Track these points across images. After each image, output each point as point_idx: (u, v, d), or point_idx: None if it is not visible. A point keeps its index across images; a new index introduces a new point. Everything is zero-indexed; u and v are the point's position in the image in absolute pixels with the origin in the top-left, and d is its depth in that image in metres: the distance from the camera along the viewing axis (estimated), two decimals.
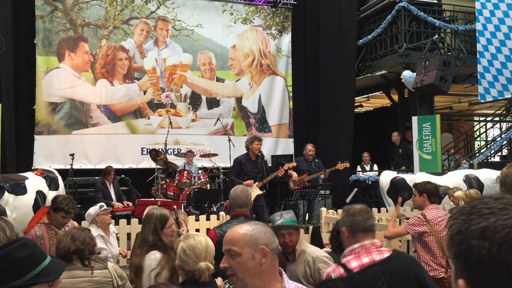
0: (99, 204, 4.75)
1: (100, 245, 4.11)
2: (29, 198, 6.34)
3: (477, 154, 11.40)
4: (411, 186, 7.72)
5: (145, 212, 3.42)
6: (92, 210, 4.68)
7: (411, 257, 2.66)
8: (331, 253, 3.69)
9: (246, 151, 7.95)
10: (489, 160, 10.39)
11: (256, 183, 7.76)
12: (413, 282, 2.33)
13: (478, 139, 15.24)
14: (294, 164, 8.56)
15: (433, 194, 4.21)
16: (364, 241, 2.46)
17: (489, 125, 15.07)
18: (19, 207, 6.14)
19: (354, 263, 2.38)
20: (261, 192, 7.83)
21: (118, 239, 5.73)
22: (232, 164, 8.28)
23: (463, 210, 0.96)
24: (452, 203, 6.52)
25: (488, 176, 7.68)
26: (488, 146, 11.39)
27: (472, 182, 7.62)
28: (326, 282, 2.36)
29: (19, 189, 6.28)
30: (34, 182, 6.59)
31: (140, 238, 3.36)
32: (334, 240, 3.76)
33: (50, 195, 6.73)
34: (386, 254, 2.42)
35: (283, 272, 1.92)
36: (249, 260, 1.81)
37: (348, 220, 2.55)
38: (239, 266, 1.81)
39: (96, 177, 9.47)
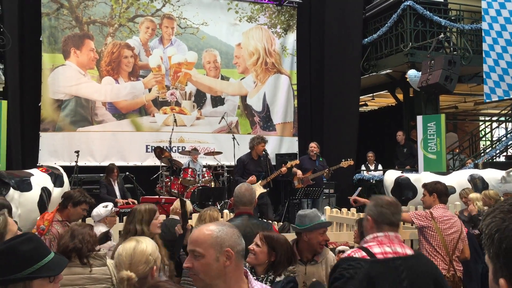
0: (110, 206, 4.77)
1: (108, 243, 4.13)
2: (34, 194, 6.38)
3: (482, 154, 11.36)
4: (415, 185, 7.75)
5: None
6: (102, 210, 4.71)
7: (431, 260, 2.67)
8: None
9: (250, 151, 7.97)
10: (494, 160, 10.35)
11: (260, 181, 7.77)
12: (431, 283, 2.33)
13: (483, 138, 15.19)
14: (297, 161, 8.56)
15: (443, 194, 4.27)
16: (389, 232, 2.45)
17: (495, 124, 15.01)
18: (24, 203, 6.18)
19: (376, 249, 2.37)
20: (264, 191, 7.84)
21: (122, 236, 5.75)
22: (235, 164, 8.29)
23: (502, 208, 0.93)
24: (464, 204, 6.50)
25: (493, 176, 7.64)
26: (493, 146, 11.36)
27: (477, 182, 7.58)
28: (348, 259, 2.35)
29: (24, 185, 6.32)
30: (39, 179, 6.63)
31: (123, 231, 3.47)
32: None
33: (55, 191, 6.78)
34: (408, 250, 2.42)
35: (249, 274, 1.91)
36: (213, 262, 1.79)
37: (376, 211, 2.52)
38: (202, 267, 1.80)
39: (101, 174, 9.50)
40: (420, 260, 2.41)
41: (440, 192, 4.23)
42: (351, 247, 4.09)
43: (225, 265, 1.79)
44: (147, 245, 2.37)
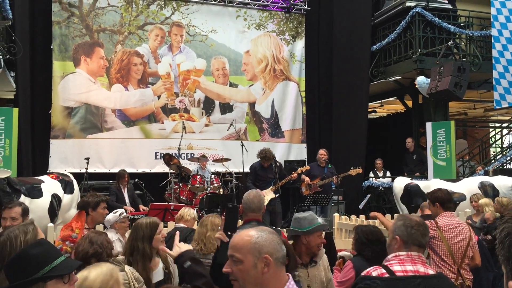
0: (119, 211, 4.79)
1: (118, 249, 4.14)
2: (45, 201, 6.42)
3: (493, 161, 11.28)
4: (425, 192, 7.71)
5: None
6: (112, 216, 4.73)
7: (452, 282, 2.64)
8: (356, 259, 3.66)
9: (258, 160, 8.20)
10: (505, 167, 10.27)
11: (271, 187, 7.87)
12: None
13: (494, 145, 15.07)
14: (307, 167, 8.58)
15: (445, 201, 4.11)
16: (411, 252, 2.44)
17: (505, 131, 14.90)
18: (35, 210, 6.20)
19: (397, 267, 2.36)
20: (274, 196, 7.96)
21: None
22: (246, 170, 8.44)
23: None
24: (474, 209, 6.46)
25: (504, 183, 7.59)
26: (504, 153, 11.27)
27: (487, 189, 7.53)
28: (366, 278, 2.34)
29: (35, 192, 6.37)
30: (49, 186, 6.67)
31: (127, 245, 3.42)
32: (367, 248, 3.65)
33: (65, 198, 6.82)
34: (430, 270, 2.40)
35: (291, 278, 1.86)
36: (251, 268, 1.77)
37: (405, 231, 2.50)
38: (240, 273, 1.78)
39: (110, 181, 9.56)
40: (442, 280, 2.38)
41: (442, 200, 4.10)
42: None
43: (263, 271, 1.76)
44: (96, 277, 2.20)
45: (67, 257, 1.99)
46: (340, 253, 4.21)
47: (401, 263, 2.37)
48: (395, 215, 7.56)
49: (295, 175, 8.04)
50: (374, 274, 2.34)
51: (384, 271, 2.33)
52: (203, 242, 3.83)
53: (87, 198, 4.57)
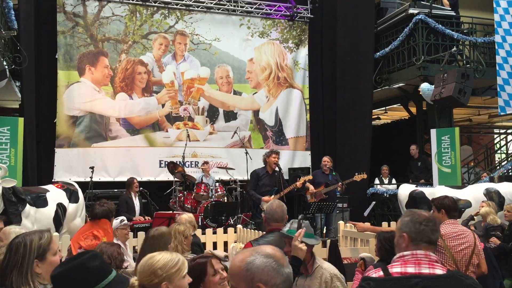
0: (120, 218, 4.80)
1: None
2: (50, 210, 6.43)
3: (498, 167, 11.22)
4: (430, 199, 7.67)
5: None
6: (114, 223, 4.74)
7: (470, 282, 2.26)
8: (379, 264, 3.55)
9: (264, 165, 7.98)
10: (510, 174, 10.22)
11: (273, 196, 7.76)
12: None
13: (499, 152, 15.01)
14: (310, 177, 8.54)
15: (451, 209, 4.09)
16: (417, 251, 2.25)
17: (510, 137, 14.84)
18: (40, 219, 6.23)
19: (396, 269, 2.22)
20: None
21: (136, 252, 5.77)
22: (249, 177, 8.29)
23: None
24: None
25: (509, 190, 7.54)
26: (509, 159, 11.22)
27: (492, 196, 7.49)
28: (363, 278, 2.29)
29: (40, 201, 6.38)
30: (54, 195, 6.69)
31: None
32: (391, 255, 3.55)
33: (70, 207, 6.84)
34: (438, 270, 2.19)
35: None
36: None
37: (413, 228, 2.29)
38: None
39: (115, 190, 9.60)
40: (449, 281, 2.14)
41: (448, 208, 4.06)
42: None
43: None
44: (159, 259, 2.31)
45: (118, 271, 2.00)
46: (361, 255, 4.16)
47: (403, 265, 2.22)
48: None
49: (299, 183, 7.97)
50: (374, 276, 2.24)
51: (382, 273, 2.22)
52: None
53: (102, 207, 4.55)
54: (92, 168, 9.11)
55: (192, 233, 4.44)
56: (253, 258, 1.66)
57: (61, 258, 2.54)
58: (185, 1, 11.19)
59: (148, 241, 3.43)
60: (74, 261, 1.93)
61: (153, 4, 10.99)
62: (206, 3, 11.38)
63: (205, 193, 9.08)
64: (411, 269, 2.18)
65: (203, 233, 6.95)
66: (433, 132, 9.65)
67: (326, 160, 8.93)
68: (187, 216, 4.82)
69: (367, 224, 4.97)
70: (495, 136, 16.36)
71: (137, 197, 8.57)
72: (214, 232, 7.11)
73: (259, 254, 1.67)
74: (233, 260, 1.72)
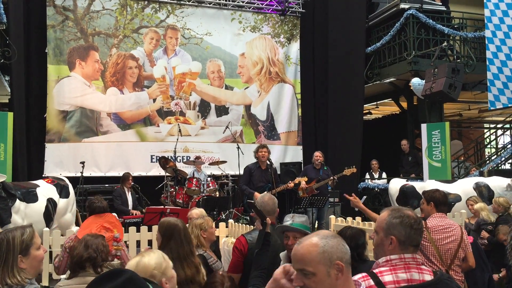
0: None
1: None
2: (40, 205, 6.41)
3: (487, 162, 11.33)
4: (421, 193, 7.73)
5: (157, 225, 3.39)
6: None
7: (456, 285, 2.30)
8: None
9: (256, 160, 8.01)
10: (500, 168, 10.32)
11: (265, 192, 7.75)
12: None
13: (488, 146, 15.15)
14: (305, 179, 8.52)
15: (441, 203, 4.11)
16: (404, 254, 2.18)
17: (500, 132, 14.97)
18: (30, 214, 6.21)
19: (388, 277, 2.11)
20: None
21: (127, 247, 5.76)
22: (242, 172, 8.29)
23: None
24: (470, 211, 6.47)
25: (499, 184, 7.62)
26: (499, 154, 11.32)
27: (482, 190, 7.56)
28: None
29: (30, 196, 6.36)
30: (45, 190, 6.66)
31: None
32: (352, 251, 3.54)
33: (61, 202, 6.81)
34: (427, 274, 2.15)
35: (357, 276, 1.84)
36: (325, 278, 1.72)
37: (404, 232, 2.20)
38: (314, 285, 1.72)
39: (106, 185, 9.56)
40: (441, 287, 2.13)
41: (438, 201, 4.08)
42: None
43: (337, 278, 1.74)
44: (149, 260, 2.26)
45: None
46: None
47: (393, 271, 2.14)
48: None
49: (291, 184, 8.00)
50: (362, 285, 2.10)
51: (372, 283, 2.09)
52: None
53: (102, 202, 4.52)
54: (82, 163, 9.05)
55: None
56: (325, 240, 1.78)
57: (45, 252, 2.54)
58: None
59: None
60: (130, 274, 1.61)
61: None
62: None
63: (196, 188, 9.08)
64: (402, 275, 2.13)
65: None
66: (423, 126, 9.71)
67: (318, 155, 8.94)
68: (198, 211, 4.75)
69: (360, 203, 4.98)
70: (485, 130, 16.48)
71: (130, 192, 8.63)
72: None
73: (327, 237, 1.80)
74: (301, 247, 1.78)
